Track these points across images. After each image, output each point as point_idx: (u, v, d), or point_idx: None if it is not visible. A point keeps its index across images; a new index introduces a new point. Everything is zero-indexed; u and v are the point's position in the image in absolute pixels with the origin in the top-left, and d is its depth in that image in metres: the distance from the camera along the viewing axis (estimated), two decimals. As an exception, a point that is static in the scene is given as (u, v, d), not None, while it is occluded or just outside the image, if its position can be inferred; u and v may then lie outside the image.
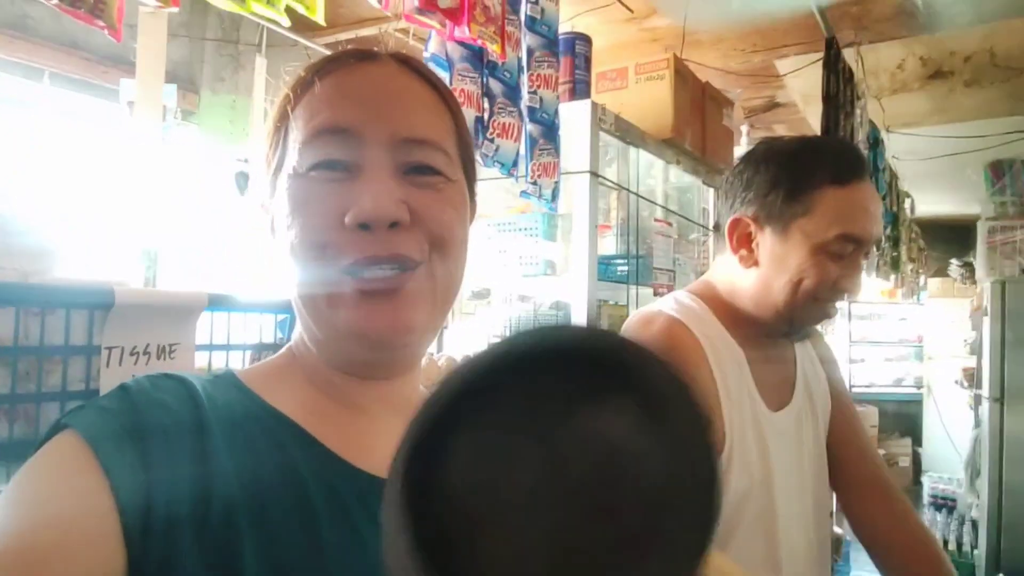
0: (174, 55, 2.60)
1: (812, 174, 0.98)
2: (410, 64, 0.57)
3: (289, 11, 1.14)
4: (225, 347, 1.04)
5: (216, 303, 1.01)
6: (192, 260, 2.26)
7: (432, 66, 1.23)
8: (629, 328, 1.07)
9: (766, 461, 1.01)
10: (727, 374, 1.01)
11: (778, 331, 1.06)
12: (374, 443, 0.54)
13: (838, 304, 1.04)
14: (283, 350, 0.59)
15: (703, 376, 0.99)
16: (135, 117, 1.78)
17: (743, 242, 1.04)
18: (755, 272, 1.03)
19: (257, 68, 2.21)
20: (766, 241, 1.02)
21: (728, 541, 0.98)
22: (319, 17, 1.09)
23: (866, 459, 1.18)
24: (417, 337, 0.54)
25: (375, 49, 0.57)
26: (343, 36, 3.02)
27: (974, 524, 4.10)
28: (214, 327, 1.03)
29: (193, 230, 2.30)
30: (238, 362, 1.06)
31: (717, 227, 1.13)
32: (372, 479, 0.52)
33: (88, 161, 2.22)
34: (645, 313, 1.09)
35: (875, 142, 3.64)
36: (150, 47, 1.79)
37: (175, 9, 0.99)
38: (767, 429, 1.03)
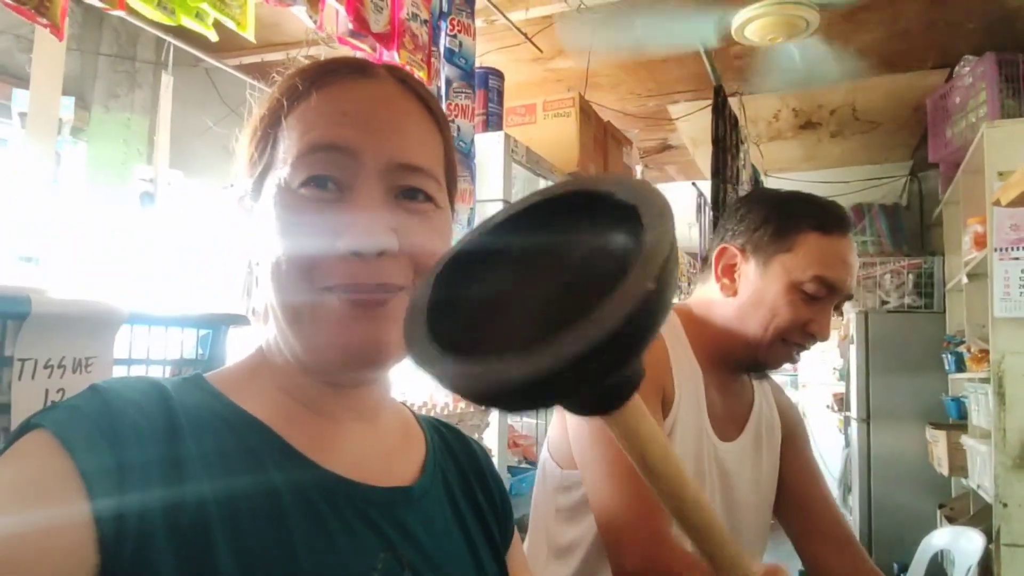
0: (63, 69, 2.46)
1: (800, 218, 1.04)
2: (408, 83, 0.57)
3: (215, 26, 1.14)
4: (144, 362, 1.00)
5: (137, 317, 0.98)
6: (81, 274, 2.14)
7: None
8: None
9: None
10: (683, 386, 1.03)
11: (743, 364, 1.08)
12: (341, 446, 0.55)
13: (805, 349, 1.06)
14: (253, 352, 0.58)
15: (663, 375, 1.00)
16: (28, 130, 1.68)
17: (727, 271, 1.08)
18: (733, 302, 1.06)
19: (163, 86, 2.14)
20: (748, 271, 1.06)
21: None
22: (250, 33, 1.10)
23: (828, 508, 1.18)
24: (394, 355, 0.54)
25: (371, 61, 0.58)
26: (248, 60, 2.97)
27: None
28: (133, 341, 0.99)
29: (83, 245, 2.17)
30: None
31: (705, 260, 1.16)
32: (340, 480, 0.53)
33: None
34: None
35: (756, 184, 3.96)
36: (46, 58, 1.70)
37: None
38: (720, 455, 1.05)
